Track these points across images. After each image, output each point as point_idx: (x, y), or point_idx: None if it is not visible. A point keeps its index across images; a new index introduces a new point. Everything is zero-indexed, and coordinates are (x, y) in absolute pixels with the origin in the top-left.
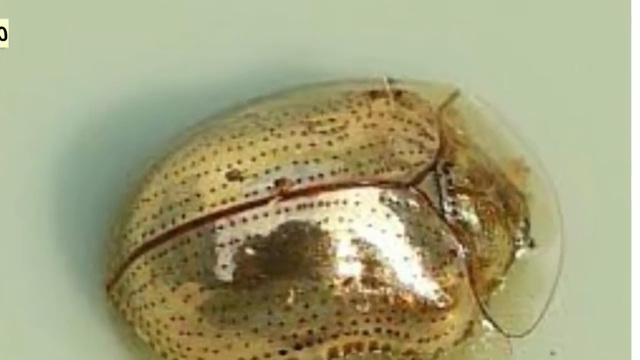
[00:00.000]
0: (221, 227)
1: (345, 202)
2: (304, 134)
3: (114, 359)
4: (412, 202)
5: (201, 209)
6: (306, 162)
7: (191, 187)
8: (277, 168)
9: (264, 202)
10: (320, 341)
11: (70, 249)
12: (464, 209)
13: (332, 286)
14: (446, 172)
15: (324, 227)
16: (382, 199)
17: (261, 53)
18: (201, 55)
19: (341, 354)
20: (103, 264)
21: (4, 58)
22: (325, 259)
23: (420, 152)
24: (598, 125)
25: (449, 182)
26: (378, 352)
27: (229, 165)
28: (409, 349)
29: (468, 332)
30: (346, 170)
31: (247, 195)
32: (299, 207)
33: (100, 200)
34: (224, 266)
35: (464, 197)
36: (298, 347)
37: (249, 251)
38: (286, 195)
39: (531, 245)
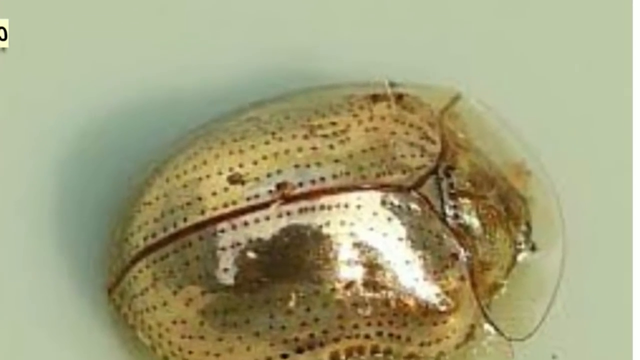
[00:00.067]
0: (223, 231)
1: (346, 206)
2: (305, 137)
3: None
4: (414, 206)
5: (203, 212)
6: (308, 166)
7: (193, 191)
8: (279, 171)
9: (266, 205)
10: (321, 345)
11: (71, 252)
12: (465, 212)
13: (333, 290)
14: (448, 175)
15: (325, 230)
16: (383, 203)
17: (263, 57)
18: (203, 59)
19: (343, 357)
20: (104, 267)
21: (5, 63)
22: (327, 262)
23: (422, 155)
24: (599, 128)
25: (451, 185)
26: (380, 355)
27: (231, 169)
28: (410, 353)
29: (469, 336)
30: (348, 173)
31: (248, 199)
32: (301, 210)
33: (101, 203)
34: (226, 270)
35: (466, 201)
36: (300, 351)
37: (251, 254)
38: (288, 199)
39: (533, 248)
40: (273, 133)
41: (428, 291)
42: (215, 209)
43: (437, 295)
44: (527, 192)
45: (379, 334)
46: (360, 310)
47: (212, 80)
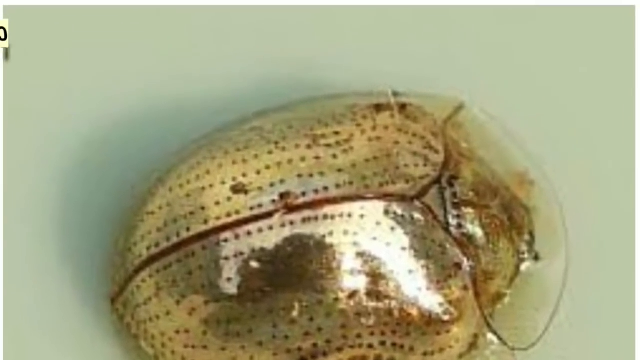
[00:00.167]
0: (226, 240)
1: (350, 215)
2: (308, 147)
3: None
4: (417, 215)
5: (206, 222)
6: (311, 175)
7: (196, 200)
8: (282, 181)
9: (269, 215)
10: (325, 354)
11: (74, 261)
12: (468, 222)
13: (336, 299)
14: (451, 185)
15: (328, 240)
16: (386, 212)
17: (266, 66)
18: (206, 69)
19: None
20: (107, 277)
21: (8, 72)
22: (330, 272)
23: (425, 165)
24: (603, 138)
25: (454, 195)
26: None
27: (234, 179)
28: None
29: (473, 345)
30: (351, 183)
31: (252, 209)
32: (304, 220)
33: (104, 213)
34: (229, 279)
35: (469, 210)
36: None
37: (254, 264)
38: (291, 209)
39: (536, 258)
40: (276, 143)
41: (431, 301)
42: (218, 218)
43: (440, 304)
44: (530, 202)
45: (382, 343)
46: (363, 320)
47: (215, 90)
